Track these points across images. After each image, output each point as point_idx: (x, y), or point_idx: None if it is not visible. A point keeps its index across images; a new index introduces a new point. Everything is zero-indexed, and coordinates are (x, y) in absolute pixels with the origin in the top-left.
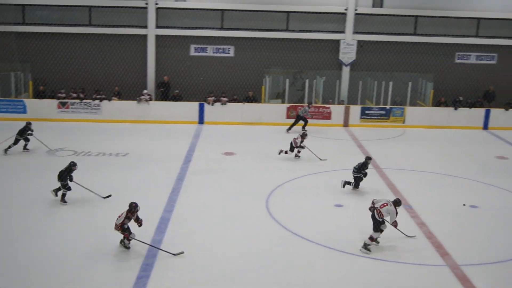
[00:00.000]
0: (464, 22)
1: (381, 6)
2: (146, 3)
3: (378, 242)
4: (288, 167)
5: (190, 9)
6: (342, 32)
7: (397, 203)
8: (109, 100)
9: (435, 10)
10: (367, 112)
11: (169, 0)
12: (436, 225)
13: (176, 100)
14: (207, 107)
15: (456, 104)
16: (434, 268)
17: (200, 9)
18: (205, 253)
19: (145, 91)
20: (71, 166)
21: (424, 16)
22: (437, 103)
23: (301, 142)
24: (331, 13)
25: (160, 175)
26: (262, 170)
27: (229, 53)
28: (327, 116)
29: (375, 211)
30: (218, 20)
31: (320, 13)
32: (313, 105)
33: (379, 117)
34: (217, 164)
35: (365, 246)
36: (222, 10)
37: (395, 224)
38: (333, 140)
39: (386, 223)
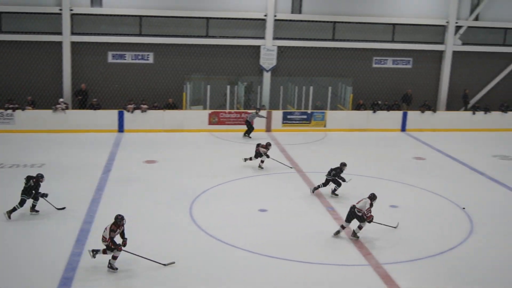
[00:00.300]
0: (380, 27)
1: (300, 12)
2: (60, 9)
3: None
4: (211, 173)
5: (107, 15)
6: (262, 38)
7: (372, 197)
8: (23, 109)
9: (352, 16)
10: (289, 117)
11: (84, 6)
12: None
13: (95, 109)
14: (126, 115)
15: (374, 107)
16: (357, 268)
17: (117, 15)
18: (128, 264)
19: (61, 100)
20: (39, 178)
21: (342, 22)
22: (356, 105)
23: (266, 151)
24: (250, 19)
25: (79, 186)
26: (185, 177)
27: (148, 59)
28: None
29: (354, 209)
30: (136, 26)
31: (240, 19)
32: (237, 111)
33: (300, 122)
34: (139, 172)
35: (355, 234)
36: (140, 16)
37: (368, 218)
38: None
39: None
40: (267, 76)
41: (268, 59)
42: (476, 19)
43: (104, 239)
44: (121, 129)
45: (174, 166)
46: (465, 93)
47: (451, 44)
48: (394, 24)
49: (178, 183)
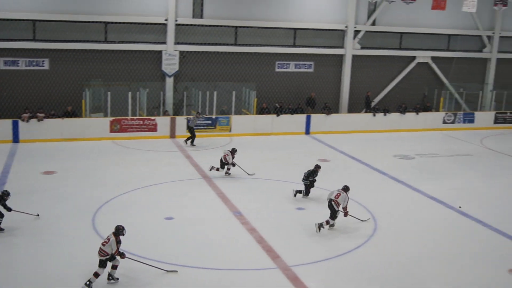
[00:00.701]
0: (282, 32)
1: (201, 17)
2: None
3: (333, 225)
4: (114, 183)
5: None
6: (164, 43)
7: (346, 189)
8: None
9: (254, 21)
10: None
11: None
12: (266, 229)
13: None
14: (21, 124)
15: (277, 111)
16: (267, 272)
17: (9, 19)
18: (26, 280)
19: None
20: (4, 196)
21: (244, 27)
22: (260, 109)
23: (233, 158)
24: (151, 23)
25: None
26: (86, 187)
27: (43, 66)
28: (153, 128)
29: (332, 202)
30: (30, 31)
31: (140, 23)
32: (139, 117)
33: (205, 127)
34: (37, 184)
35: (321, 226)
36: (34, 21)
37: (346, 212)
38: (159, 152)
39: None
40: (169, 81)
41: (170, 64)
42: (374, 24)
43: (104, 253)
44: (16, 139)
45: (75, 177)
46: (367, 95)
47: (351, 48)
48: (295, 29)
49: (79, 194)
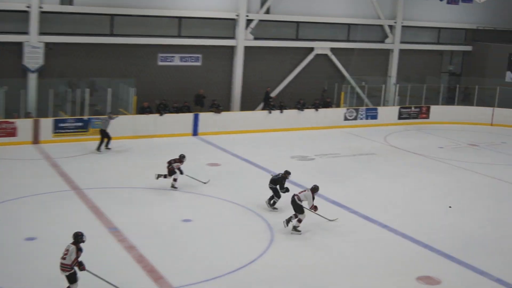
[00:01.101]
0: (165, 21)
1: (70, 3)
2: None
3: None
4: None
5: None
6: (26, 33)
7: (314, 189)
8: None
9: (133, 9)
10: (61, 125)
11: None
12: (147, 247)
13: None
14: None
15: (159, 109)
16: None
17: None
18: None
19: None
20: None
21: (121, 15)
22: (140, 109)
23: (180, 165)
24: (10, 10)
25: None
26: None
27: None
28: (12, 133)
29: (295, 197)
30: None
31: None
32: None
33: (76, 130)
34: None
35: (295, 229)
36: None
37: (314, 208)
38: (20, 160)
39: (305, 209)
40: (32, 78)
41: (33, 57)
42: (267, 12)
43: (67, 266)
44: None
45: None
46: (267, 91)
47: (243, 39)
48: (180, 17)
49: None
